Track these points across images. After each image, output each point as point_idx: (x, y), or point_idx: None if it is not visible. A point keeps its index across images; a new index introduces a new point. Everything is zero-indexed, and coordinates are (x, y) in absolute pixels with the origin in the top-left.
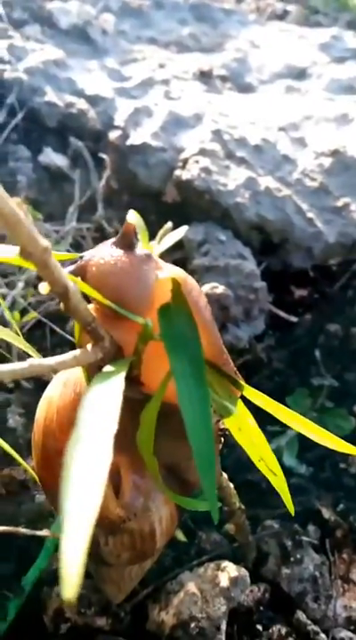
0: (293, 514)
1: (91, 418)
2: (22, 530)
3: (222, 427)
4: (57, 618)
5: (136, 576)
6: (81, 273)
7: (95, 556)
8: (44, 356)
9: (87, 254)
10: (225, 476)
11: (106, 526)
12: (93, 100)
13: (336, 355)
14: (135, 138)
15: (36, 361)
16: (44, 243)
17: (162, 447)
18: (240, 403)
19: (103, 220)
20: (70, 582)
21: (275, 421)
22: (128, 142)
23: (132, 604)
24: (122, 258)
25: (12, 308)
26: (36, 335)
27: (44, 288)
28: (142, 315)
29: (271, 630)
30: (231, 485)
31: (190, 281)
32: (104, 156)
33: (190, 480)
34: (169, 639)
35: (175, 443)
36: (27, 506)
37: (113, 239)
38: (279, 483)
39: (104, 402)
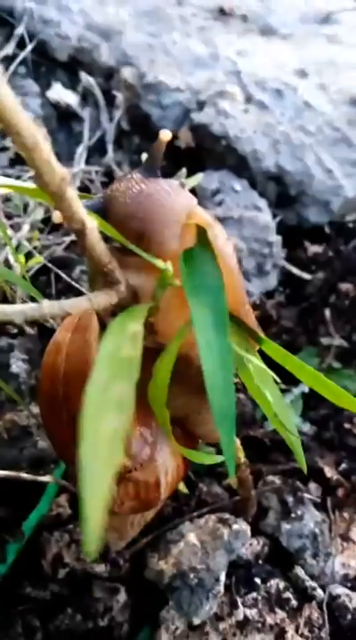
0: (305, 472)
1: (108, 372)
2: (24, 475)
3: (235, 380)
4: (55, 563)
5: (138, 525)
6: (105, 205)
7: None
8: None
9: (110, 186)
10: None
11: None
12: (107, 34)
13: (347, 315)
14: (149, 76)
15: (49, 303)
16: (63, 172)
17: (172, 400)
18: (258, 356)
19: (113, 163)
20: (92, 536)
21: (280, 379)
22: (142, 80)
23: (131, 552)
24: (152, 184)
25: (16, 251)
26: (40, 281)
27: (57, 217)
28: (171, 251)
29: (268, 584)
30: (237, 440)
31: (218, 226)
32: (117, 93)
33: (195, 433)
34: (168, 588)
35: (187, 396)
36: (28, 451)
37: (138, 168)
38: (293, 440)
39: (123, 353)
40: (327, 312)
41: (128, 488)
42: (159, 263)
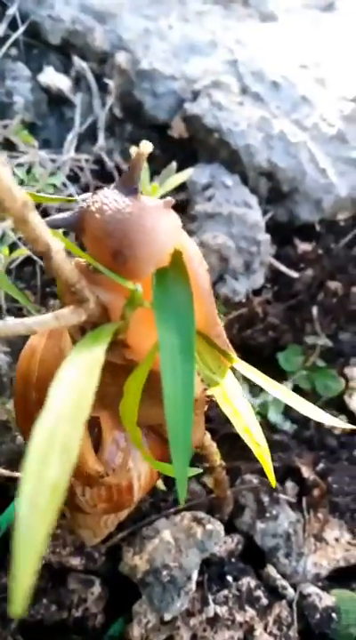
0: (274, 485)
1: (64, 395)
2: (1, 470)
3: (209, 393)
4: None
5: (111, 524)
6: (81, 220)
7: (71, 504)
8: (34, 294)
9: (87, 199)
10: (208, 435)
11: (83, 479)
12: (102, 17)
13: (334, 313)
14: (144, 62)
15: (14, 321)
16: (24, 197)
17: (146, 410)
18: (230, 374)
19: (103, 152)
20: (19, 595)
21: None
22: (136, 67)
23: (106, 546)
24: (134, 203)
25: (0, 242)
26: (25, 272)
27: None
28: (147, 272)
29: (240, 582)
30: (214, 444)
31: (192, 247)
32: (109, 80)
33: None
34: (141, 583)
35: (160, 407)
36: (7, 446)
37: (115, 183)
38: (263, 454)
39: (80, 378)
40: (315, 310)
41: (101, 491)
42: (129, 284)
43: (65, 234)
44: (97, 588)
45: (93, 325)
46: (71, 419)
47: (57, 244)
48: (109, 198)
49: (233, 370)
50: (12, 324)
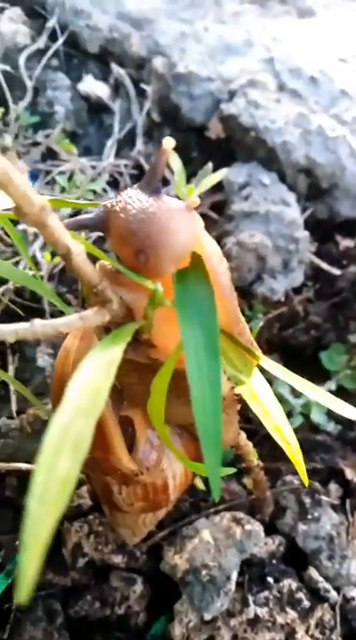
0: (306, 484)
1: (80, 392)
2: None
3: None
4: (75, 552)
5: (150, 523)
6: (105, 219)
7: (109, 503)
8: (76, 297)
9: (111, 199)
10: (243, 435)
11: (118, 478)
12: (138, 23)
13: None
14: (180, 66)
15: (40, 322)
16: (42, 202)
17: (176, 409)
18: (257, 372)
19: (142, 157)
20: (26, 582)
21: (305, 376)
22: (172, 70)
23: (148, 545)
24: (157, 203)
25: (43, 247)
26: (68, 277)
27: None
28: (168, 272)
29: (281, 584)
30: (250, 444)
31: (212, 246)
32: (146, 85)
33: None
34: (181, 582)
35: (187, 406)
36: None
37: (139, 182)
38: (295, 453)
39: (96, 377)
40: None
41: (136, 490)
42: (148, 284)
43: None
44: (139, 587)
45: (117, 326)
46: (85, 415)
47: (77, 246)
48: (133, 198)
49: (262, 370)
50: (39, 326)
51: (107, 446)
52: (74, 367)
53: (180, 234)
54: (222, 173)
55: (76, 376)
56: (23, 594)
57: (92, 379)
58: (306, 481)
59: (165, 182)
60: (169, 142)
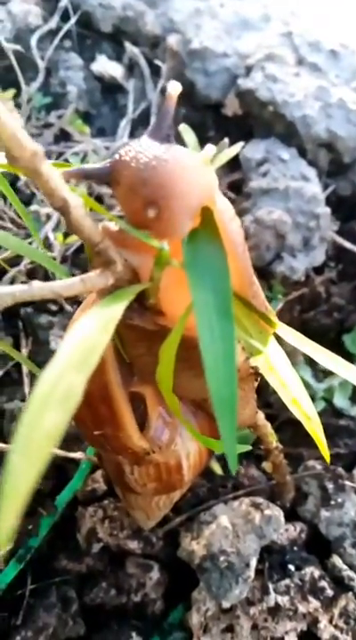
0: (328, 460)
1: (73, 347)
2: (57, 451)
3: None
4: (90, 537)
5: (164, 506)
6: (113, 170)
7: (121, 483)
8: None
9: (120, 149)
10: (262, 414)
11: (130, 457)
12: (152, 1)
13: None
14: (195, 42)
15: (39, 284)
16: (34, 146)
17: (188, 383)
18: (273, 340)
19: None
20: (4, 528)
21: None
22: (187, 47)
23: (164, 531)
24: (171, 150)
25: (56, 229)
26: (81, 258)
27: None
28: (180, 230)
29: (303, 572)
30: (268, 425)
31: (223, 204)
32: (161, 63)
33: None
34: (198, 569)
35: (201, 379)
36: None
37: (147, 131)
38: (314, 427)
39: (93, 333)
40: None
41: (149, 470)
42: (154, 242)
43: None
44: (155, 574)
45: None
46: (76, 369)
47: (75, 199)
48: (144, 145)
49: (279, 339)
50: (37, 288)
51: (116, 423)
52: None
53: (195, 185)
54: (238, 148)
55: (72, 331)
56: (2, 538)
57: (87, 334)
58: (328, 456)
59: None
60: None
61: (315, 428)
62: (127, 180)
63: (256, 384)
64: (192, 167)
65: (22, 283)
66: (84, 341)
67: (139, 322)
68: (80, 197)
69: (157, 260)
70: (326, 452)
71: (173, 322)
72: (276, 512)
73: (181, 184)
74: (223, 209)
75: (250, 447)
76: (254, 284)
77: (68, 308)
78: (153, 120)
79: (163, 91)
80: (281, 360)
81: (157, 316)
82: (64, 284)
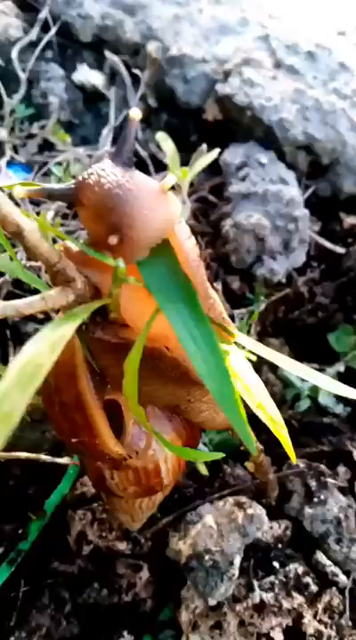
0: (294, 460)
1: (20, 367)
2: (44, 457)
3: None
4: (80, 540)
5: (147, 508)
6: (78, 192)
7: (103, 488)
8: None
9: (83, 173)
10: None
11: (108, 463)
12: (131, 9)
13: None
14: (174, 49)
15: (2, 303)
16: None
17: (158, 391)
18: (234, 348)
19: (139, 144)
20: None
21: (313, 359)
22: (166, 54)
23: (152, 531)
24: (132, 179)
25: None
26: None
27: None
28: (142, 252)
29: (287, 568)
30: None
31: (180, 224)
32: (139, 70)
33: (196, 422)
34: (185, 568)
35: (170, 387)
36: (50, 433)
37: (111, 154)
38: (280, 430)
39: (40, 354)
40: None
41: (128, 474)
42: (109, 260)
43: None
44: (145, 573)
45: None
46: (20, 390)
47: (28, 223)
48: (107, 171)
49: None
50: (1, 307)
51: (92, 431)
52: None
53: (158, 216)
54: (215, 153)
55: (22, 351)
56: None
57: (34, 354)
58: (293, 457)
59: (162, 166)
60: (135, 112)
61: (280, 431)
62: (92, 205)
63: None
64: (154, 196)
65: (9, 293)
66: (30, 362)
67: (102, 335)
68: (34, 221)
69: (114, 278)
70: (292, 452)
71: (137, 334)
72: (259, 510)
73: (143, 213)
74: (179, 229)
75: (223, 455)
76: (211, 297)
77: (54, 316)
78: (117, 143)
79: (142, 98)
80: (245, 367)
81: (120, 330)
82: (25, 303)
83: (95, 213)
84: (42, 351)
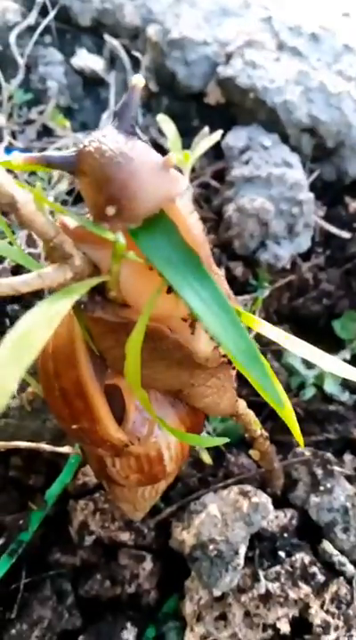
0: (302, 445)
1: (14, 342)
2: (44, 446)
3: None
4: (82, 530)
5: (150, 496)
6: (78, 161)
7: (105, 476)
8: None
9: (84, 139)
10: (243, 403)
11: (109, 450)
12: None
13: None
14: (174, 31)
15: None
16: None
17: (161, 374)
18: None
19: (140, 129)
20: None
21: (318, 347)
22: (166, 37)
23: (155, 521)
24: (133, 148)
25: None
26: None
27: None
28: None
29: (293, 558)
30: (250, 413)
31: (183, 199)
32: (140, 54)
33: (198, 407)
34: (189, 558)
35: (173, 370)
36: (51, 422)
37: (114, 121)
38: (288, 414)
39: (36, 328)
40: None
41: (130, 462)
42: (109, 235)
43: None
44: (148, 564)
45: None
46: (12, 363)
47: (23, 194)
48: (108, 138)
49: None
50: None
51: (93, 417)
52: (55, 336)
53: (157, 189)
54: (218, 135)
55: (17, 325)
56: None
57: (30, 327)
58: (301, 441)
59: (163, 151)
60: (139, 80)
61: (288, 414)
62: (92, 173)
63: (234, 372)
64: (156, 169)
65: None
66: (25, 335)
67: (102, 315)
68: (29, 193)
69: (114, 253)
70: (299, 436)
71: (138, 314)
72: (264, 499)
73: (143, 186)
74: (182, 204)
75: (228, 439)
76: (216, 273)
77: None
78: (119, 109)
79: (145, 83)
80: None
81: (120, 309)
82: (21, 280)
83: (95, 182)
84: (38, 324)
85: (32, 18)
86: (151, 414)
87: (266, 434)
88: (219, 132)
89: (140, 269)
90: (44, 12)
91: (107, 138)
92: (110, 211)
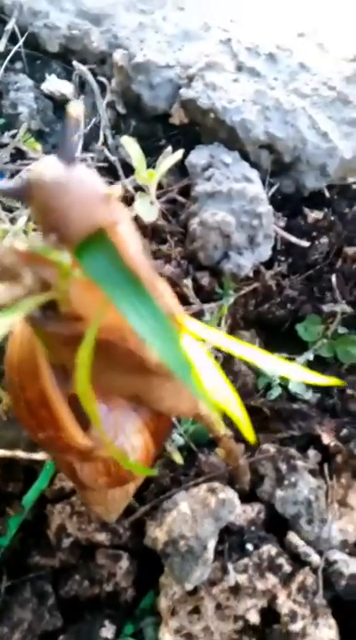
0: (252, 442)
1: None
2: (20, 453)
3: None
4: (60, 533)
5: (121, 498)
6: (27, 190)
7: (75, 481)
8: None
9: (32, 167)
10: (204, 405)
11: (76, 455)
12: (97, 19)
13: (354, 280)
14: (139, 56)
15: None
16: None
17: (117, 381)
18: (186, 338)
19: (105, 149)
20: None
21: (284, 349)
22: (131, 61)
23: (130, 521)
24: (73, 178)
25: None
26: None
27: None
28: None
29: (260, 550)
30: (212, 414)
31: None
32: (106, 78)
33: (161, 410)
34: (162, 555)
35: (128, 377)
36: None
37: (58, 150)
38: (232, 410)
39: None
40: (333, 278)
41: (98, 466)
42: (54, 255)
43: None
44: (125, 563)
45: None
46: None
47: None
48: (48, 169)
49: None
50: None
51: (57, 425)
52: (20, 348)
53: (94, 221)
54: (179, 154)
55: None
56: None
57: None
58: (250, 436)
59: (132, 170)
60: (76, 107)
61: (233, 410)
62: (35, 203)
63: None
64: (94, 199)
65: None
66: None
67: (54, 329)
68: None
69: (60, 272)
70: (247, 431)
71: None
72: (230, 494)
73: (80, 216)
74: (122, 229)
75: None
76: (157, 289)
77: None
78: (61, 140)
79: (110, 105)
80: (200, 356)
81: (72, 323)
82: None
83: (38, 211)
84: None
85: (1, 45)
86: (96, 425)
87: (230, 433)
88: (180, 152)
89: (88, 285)
90: (13, 39)
91: (47, 169)
92: (52, 237)
